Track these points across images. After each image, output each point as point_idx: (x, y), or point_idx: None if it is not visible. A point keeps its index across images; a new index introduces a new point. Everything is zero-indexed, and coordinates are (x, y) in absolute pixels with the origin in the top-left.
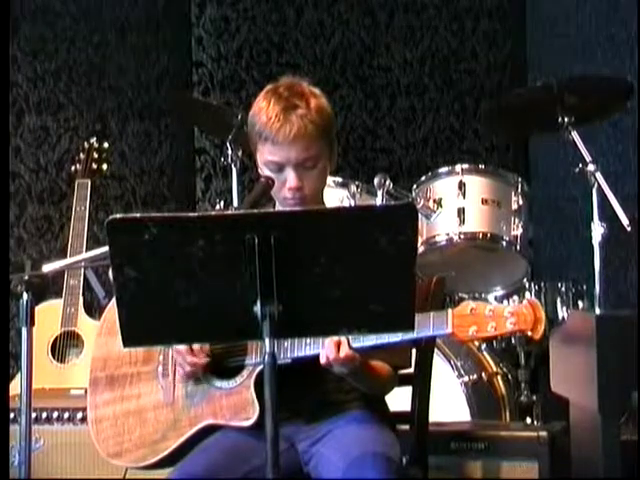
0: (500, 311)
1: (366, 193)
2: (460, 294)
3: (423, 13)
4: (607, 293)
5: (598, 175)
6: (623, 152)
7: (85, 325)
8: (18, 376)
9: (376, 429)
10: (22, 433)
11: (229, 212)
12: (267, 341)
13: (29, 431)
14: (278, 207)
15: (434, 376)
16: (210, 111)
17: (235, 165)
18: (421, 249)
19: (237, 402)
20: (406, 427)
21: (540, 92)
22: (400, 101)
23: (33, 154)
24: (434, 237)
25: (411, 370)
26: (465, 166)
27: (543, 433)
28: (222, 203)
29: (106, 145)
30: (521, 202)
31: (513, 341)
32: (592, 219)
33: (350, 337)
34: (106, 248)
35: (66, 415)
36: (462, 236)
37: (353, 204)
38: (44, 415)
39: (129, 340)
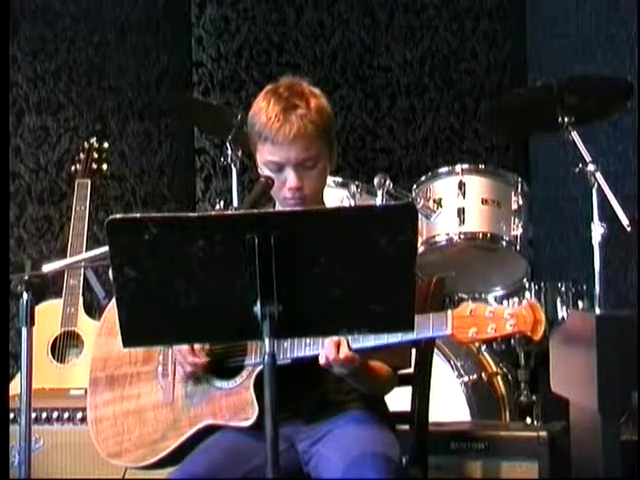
0: (500, 313)
1: (366, 193)
2: (460, 294)
3: (423, 13)
4: (607, 293)
5: (598, 175)
6: (623, 152)
7: (85, 325)
8: (18, 376)
9: (376, 429)
10: (22, 433)
11: (229, 212)
12: (267, 341)
13: (29, 431)
14: (278, 207)
15: (434, 376)
16: (210, 111)
17: (235, 165)
18: (421, 249)
19: (236, 402)
20: (406, 427)
21: (540, 92)
22: (400, 101)
23: (33, 154)
24: (434, 237)
25: (411, 370)
26: (465, 166)
27: (543, 433)
28: (222, 203)
29: (106, 145)
30: (521, 202)
31: (513, 341)
32: (592, 219)
33: (350, 338)
34: (106, 248)
35: (66, 415)
36: (462, 236)
37: (353, 204)
38: (44, 415)
39: (129, 340)
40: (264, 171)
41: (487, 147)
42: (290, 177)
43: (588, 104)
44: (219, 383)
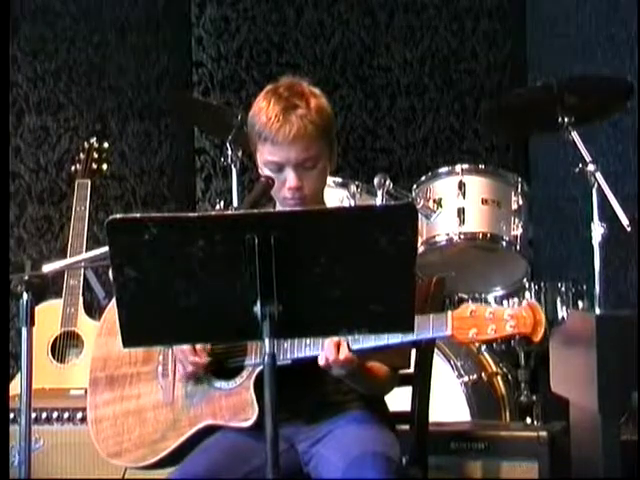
0: (500, 314)
1: (366, 193)
2: (460, 294)
3: (423, 13)
4: (607, 293)
5: (598, 175)
6: (623, 152)
7: (85, 325)
8: (18, 376)
9: (376, 429)
10: (22, 433)
11: (229, 212)
12: (267, 341)
13: (29, 431)
14: (278, 207)
15: (434, 376)
16: (210, 111)
17: (235, 165)
18: (421, 249)
19: (236, 403)
20: (406, 427)
21: (540, 92)
22: (400, 101)
23: (33, 154)
24: (434, 237)
25: (411, 370)
26: (465, 166)
27: (543, 433)
28: (222, 203)
29: (106, 145)
30: (521, 202)
31: (513, 342)
32: (592, 219)
33: (350, 338)
34: (106, 248)
35: (66, 415)
36: (462, 236)
37: (353, 204)
38: (44, 415)
39: (129, 340)
40: (264, 171)
41: (487, 147)
42: (290, 177)
43: (588, 104)
44: (219, 383)
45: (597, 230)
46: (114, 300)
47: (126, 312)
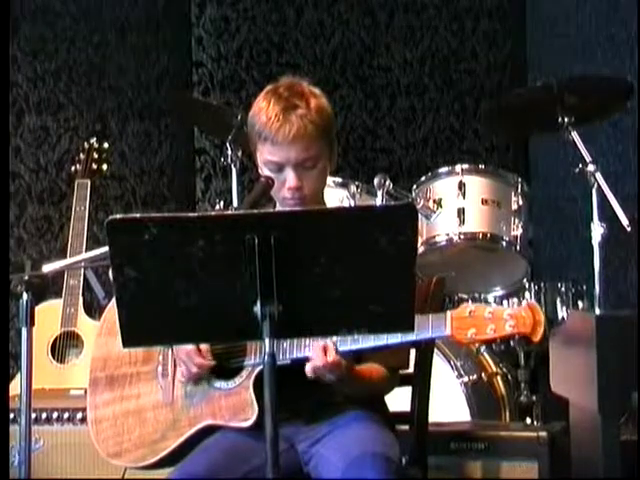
0: (499, 314)
1: (366, 193)
2: (460, 294)
3: (423, 13)
4: (607, 293)
5: (598, 175)
6: (623, 152)
7: (85, 325)
8: (18, 376)
9: (375, 429)
10: (22, 433)
11: (229, 212)
12: (267, 341)
13: (29, 431)
14: (278, 207)
15: (434, 376)
16: (210, 111)
17: (235, 165)
18: (421, 249)
19: (236, 403)
20: (406, 427)
21: (540, 92)
22: (400, 101)
23: (33, 154)
24: (434, 237)
25: (411, 370)
26: (465, 166)
27: (543, 433)
28: (222, 203)
29: (106, 145)
30: (521, 202)
31: (513, 342)
32: (592, 219)
33: (338, 341)
34: (106, 248)
35: (66, 415)
36: (462, 236)
37: (353, 204)
38: (44, 415)
39: (129, 340)
40: (264, 171)
41: (487, 147)
42: (290, 177)
43: (588, 104)
44: (219, 383)
45: (597, 230)
46: (114, 300)
47: (126, 312)
